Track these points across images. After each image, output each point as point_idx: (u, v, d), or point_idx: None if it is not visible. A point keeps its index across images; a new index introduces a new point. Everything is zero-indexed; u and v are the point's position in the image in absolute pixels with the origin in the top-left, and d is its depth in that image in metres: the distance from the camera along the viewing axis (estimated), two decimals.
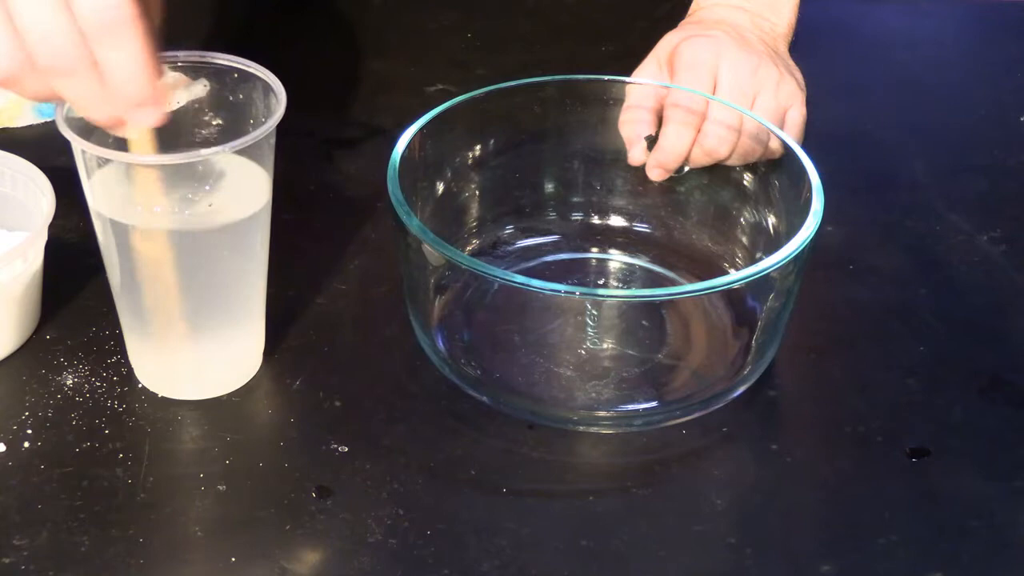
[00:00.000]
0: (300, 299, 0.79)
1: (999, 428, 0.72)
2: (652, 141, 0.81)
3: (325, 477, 0.67)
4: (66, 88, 0.56)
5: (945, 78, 1.08)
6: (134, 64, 0.55)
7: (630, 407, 0.71)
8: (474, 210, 0.83)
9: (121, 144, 0.67)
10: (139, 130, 0.60)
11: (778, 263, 0.66)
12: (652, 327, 0.76)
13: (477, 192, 0.82)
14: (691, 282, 0.77)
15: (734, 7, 0.89)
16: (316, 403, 0.72)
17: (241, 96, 0.69)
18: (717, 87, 0.81)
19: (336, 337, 0.77)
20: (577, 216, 0.84)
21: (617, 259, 0.83)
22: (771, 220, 0.77)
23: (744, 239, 0.80)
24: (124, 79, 0.56)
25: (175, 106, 0.69)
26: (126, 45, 0.55)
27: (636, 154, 0.82)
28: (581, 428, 0.71)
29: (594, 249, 0.83)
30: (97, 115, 0.58)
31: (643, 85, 0.82)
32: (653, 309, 0.76)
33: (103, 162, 0.65)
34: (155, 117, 0.59)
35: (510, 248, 0.83)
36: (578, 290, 0.69)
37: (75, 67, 0.55)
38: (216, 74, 0.69)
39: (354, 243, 0.84)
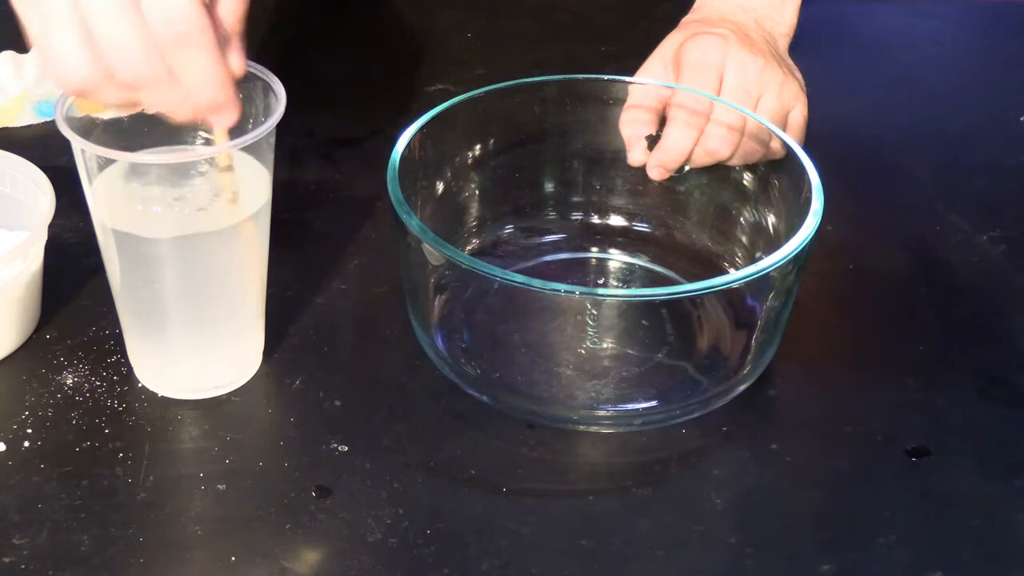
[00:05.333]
0: (300, 299, 0.79)
1: (999, 428, 0.72)
2: (652, 141, 0.81)
3: (325, 477, 0.67)
4: (146, 97, 0.58)
5: (945, 78, 1.08)
6: (207, 72, 0.57)
7: (630, 407, 0.71)
8: (474, 210, 0.83)
9: (121, 144, 0.68)
10: (220, 128, 0.63)
11: (778, 263, 0.66)
12: (652, 327, 0.76)
13: (477, 192, 0.82)
14: (691, 282, 0.77)
15: (737, 6, 0.89)
16: (316, 403, 0.72)
17: (241, 96, 0.69)
18: (722, 87, 0.81)
19: (336, 337, 0.77)
20: (577, 216, 0.84)
21: (617, 259, 0.83)
22: (771, 220, 0.77)
23: (744, 239, 0.80)
24: (198, 86, 0.58)
25: None
26: (198, 55, 0.57)
27: (636, 155, 0.82)
28: (581, 428, 0.71)
29: (594, 249, 0.83)
30: (179, 118, 0.60)
31: (644, 85, 0.82)
32: (653, 309, 0.76)
33: (103, 162, 0.65)
34: (232, 118, 0.61)
35: (510, 248, 0.83)
36: (578, 290, 0.69)
37: (152, 79, 0.57)
38: None
39: (354, 243, 0.84)
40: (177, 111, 0.59)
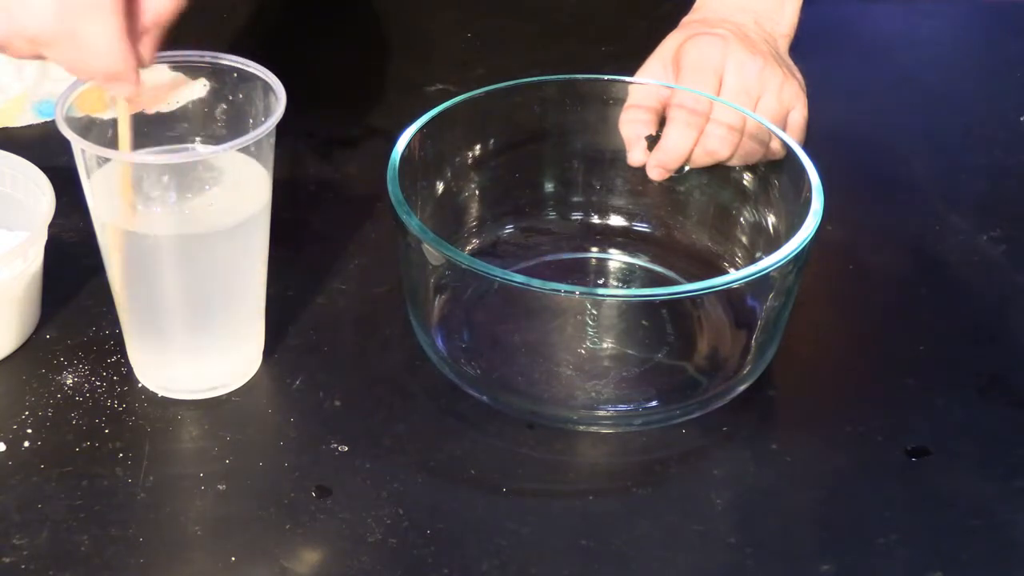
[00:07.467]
0: (300, 299, 0.79)
1: (999, 428, 0.72)
2: (652, 141, 0.81)
3: (325, 477, 0.67)
4: (50, 54, 0.61)
5: (945, 78, 1.08)
6: (106, 42, 0.60)
7: (630, 407, 0.71)
8: (474, 210, 0.83)
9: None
10: (119, 98, 0.65)
11: (778, 263, 0.66)
12: (652, 327, 0.76)
13: (477, 192, 0.82)
14: (691, 282, 0.77)
15: (737, 6, 0.89)
16: (316, 403, 0.72)
17: (241, 96, 0.69)
18: (722, 87, 0.81)
19: (336, 337, 0.77)
20: (577, 216, 0.84)
21: (617, 259, 0.83)
22: (771, 220, 0.77)
23: (744, 239, 0.80)
24: (96, 52, 0.61)
25: (175, 106, 0.69)
26: (100, 23, 0.60)
27: (636, 155, 0.82)
28: (581, 428, 0.71)
29: (594, 249, 0.83)
30: (82, 79, 0.64)
31: (644, 85, 0.82)
32: (653, 309, 0.76)
33: (103, 162, 0.65)
34: (127, 91, 0.63)
35: (510, 248, 0.83)
36: (578, 290, 0.69)
37: (54, 37, 0.60)
38: (216, 74, 0.69)
39: (354, 243, 0.84)
40: (78, 73, 0.63)
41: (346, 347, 0.76)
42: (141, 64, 0.63)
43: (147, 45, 0.63)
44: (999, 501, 0.68)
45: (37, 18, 0.59)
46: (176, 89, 0.69)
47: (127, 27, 0.61)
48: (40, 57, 0.62)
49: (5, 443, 0.68)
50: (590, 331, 0.73)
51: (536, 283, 0.65)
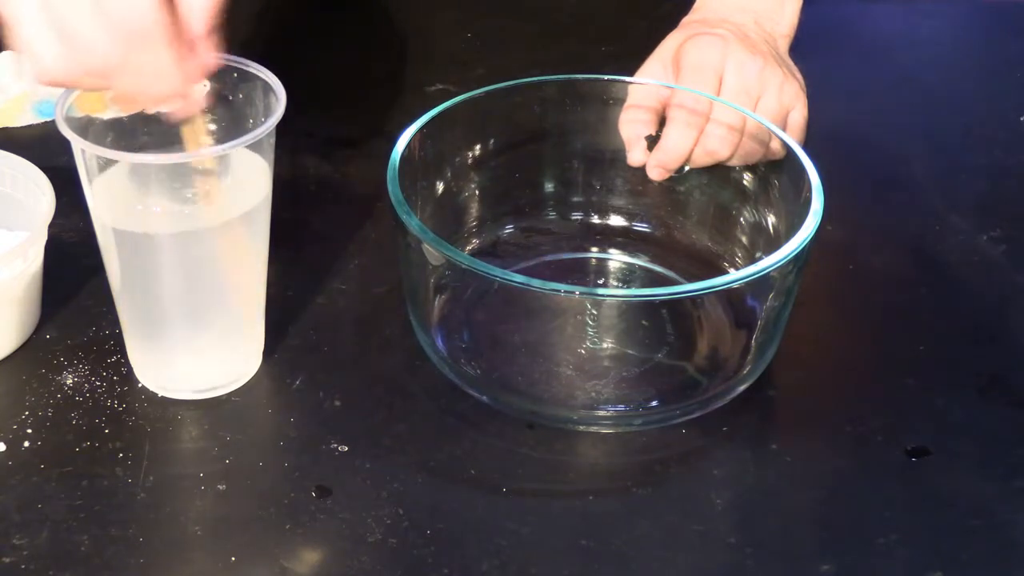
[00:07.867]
0: (300, 299, 0.79)
1: (999, 428, 0.72)
2: (652, 141, 0.81)
3: (325, 477, 0.67)
4: (114, 83, 0.63)
5: (945, 78, 1.08)
6: (160, 64, 0.61)
7: (630, 407, 0.71)
8: (474, 210, 0.83)
9: (121, 144, 0.68)
10: (182, 114, 0.66)
11: (778, 263, 0.66)
12: (652, 327, 0.76)
13: (477, 192, 0.82)
14: (691, 282, 0.77)
15: (737, 7, 0.89)
16: (316, 403, 0.72)
17: (241, 95, 0.69)
18: (722, 87, 0.81)
19: (336, 337, 0.77)
20: (577, 216, 0.84)
21: (617, 259, 0.83)
22: (771, 220, 0.77)
23: (744, 239, 0.80)
24: (153, 77, 0.62)
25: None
26: (153, 50, 0.61)
27: (636, 156, 0.82)
28: (581, 428, 0.71)
29: (594, 249, 0.83)
30: (146, 105, 0.66)
31: (644, 85, 0.82)
32: (653, 309, 0.76)
33: (103, 162, 0.65)
34: (183, 108, 0.65)
35: (510, 248, 0.83)
36: (578, 290, 0.69)
37: (116, 68, 0.61)
38: (216, 74, 0.69)
39: (354, 243, 0.84)
40: (141, 97, 0.64)
41: (346, 347, 0.76)
42: (203, 74, 0.64)
43: (204, 51, 0.63)
44: (999, 501, 0.68)
45: (98, 53, 0.61)
46: None
47: (179, 49, 0.62)
48: (106, 88, 0.63)
49: (5, 443, 0.68)
50: (590, 331, 0.73)
51: (536, 283, 0.65)
